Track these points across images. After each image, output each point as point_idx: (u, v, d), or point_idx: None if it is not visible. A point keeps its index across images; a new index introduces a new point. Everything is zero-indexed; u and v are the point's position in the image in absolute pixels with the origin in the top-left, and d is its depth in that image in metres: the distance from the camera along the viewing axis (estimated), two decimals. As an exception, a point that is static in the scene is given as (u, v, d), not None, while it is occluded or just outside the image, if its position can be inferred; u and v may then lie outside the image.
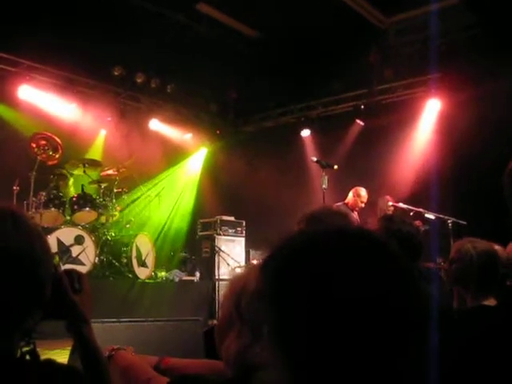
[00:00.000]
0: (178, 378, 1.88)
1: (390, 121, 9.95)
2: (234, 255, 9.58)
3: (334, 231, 1.02)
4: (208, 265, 9.60)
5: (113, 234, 8.58)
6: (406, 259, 0.98)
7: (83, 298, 1.68)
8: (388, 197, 8.44)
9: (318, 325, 0.89)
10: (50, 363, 1.53)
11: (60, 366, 1.52)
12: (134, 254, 8.35)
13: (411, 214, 7.87)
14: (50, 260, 1.43)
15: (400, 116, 9.96)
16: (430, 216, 7.74)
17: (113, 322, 3.43)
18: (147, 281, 8.50)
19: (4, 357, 1.31)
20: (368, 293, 0.89)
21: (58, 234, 7.72)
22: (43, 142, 8.16)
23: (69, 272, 1.67)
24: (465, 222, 7.73)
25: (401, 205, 8.17)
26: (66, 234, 7.78)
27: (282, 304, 0.93)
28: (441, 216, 7.79)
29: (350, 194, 8.65)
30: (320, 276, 0.91)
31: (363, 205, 8.61)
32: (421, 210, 7.87)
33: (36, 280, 1.33)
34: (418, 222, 6.78)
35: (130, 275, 8.29)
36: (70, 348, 3.21)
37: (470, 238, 3.08)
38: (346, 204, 8.61)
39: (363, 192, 8.60)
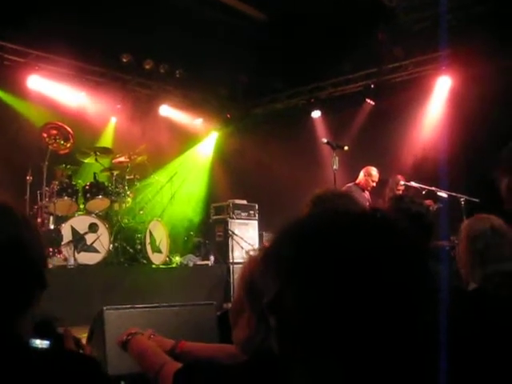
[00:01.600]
0: (190, 364, 1.91)
1: (401, 99, 9.88)
2: (247, 238, 9.60)
3: (340, 214, 1.02)
4: (222, 249, 9.63)
5: (126, 221, 8.62)
6: (413, 237, 0.98)
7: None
8: (399, 176, 8.42)
9: (328, 308, 0.89)
10: (65, 352, 1.55)
11: (75, 355, 1.54)
12: (148, 240, 8.39)
13: (423, 192, 7.85)
14: (40, 245, 1.48)
15: (411, 94, 9.89)
16: (443, 194, 7.71)
17: (127, 308, 3.45)
18: (162, 266, 8.55)
19: (13, 344, 1.34)
20: (376, 273, 0.90)
21: (72, 222, 7.78)
22: (54, 132, 8.20)
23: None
24: (477, 200, 7.69)
25: (413, 183, 8.14)
26: (80, 222, 7.84)
27: (291, 290, 0.93)
28: (453, 194, 7.76)
29: (361, 174, 8.63)
30: (329, 262, 0.91)
31: (374, 184, 8.60)
32: (433, 188, 7.84)
33: (27, 265, 1.38)
34: (428, 202, 6.76)
35: (145, 261, 8.34)
36: (85, 335, 3.25)
37: (471, 219, 3.08)
38: (357, 184, 8.60)
39: (374, 171, 8.58)
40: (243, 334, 1.77)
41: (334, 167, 7.24)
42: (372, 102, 10.56)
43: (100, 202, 8.46)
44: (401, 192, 8.06)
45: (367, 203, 8.45)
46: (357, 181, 8.66)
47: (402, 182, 8.27)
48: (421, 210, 3.13)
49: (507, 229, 2.97)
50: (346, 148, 7.49)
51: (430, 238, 3.12)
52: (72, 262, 7.35)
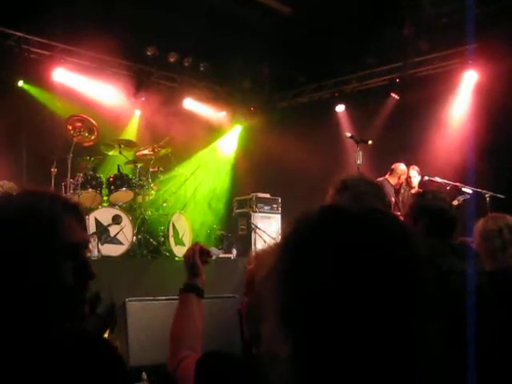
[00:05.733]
0: (211, 353, 1.92)
1: (426, 94, 9.79)
2: (270, 232, 9.57)
3: (345, 209, 1.01)
4: (244, 242, 9.62)
5: (149, 213, 8.66)
6: (414, 237, 0.96)
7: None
8: (416, 167, 8.50)
9: (332, 302, 0.88)
10: (83, 334, 1.56)
11: (93, 337, 1.55)
12: (171, 232, 8.41)
13: (448, 188, 7.78)
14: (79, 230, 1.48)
15: (436, 89, 9.79)
16: (467, 190, 7.63)
17: (150, 300, 3.48)
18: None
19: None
20: (376, 271, 0.89)
21: (96, 214, 7.83)
22: (79, 124, 8.25)
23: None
24: (503, 196, 7.61)
25: (437, 179, 8.08)
26: (104, 214, 7.88)
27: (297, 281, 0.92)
28: (478, 190, 7.68)
29: (392, 170, 8.69)
30: (334, 255, 0.91)
31: (403, 181, 8.64)
32: (457, 184, 7.77)
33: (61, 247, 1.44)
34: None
35: (167, 254, 8.37)
36: (108, 326, 3.25)
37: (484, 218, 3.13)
38: (387, 179, 8.64)
39: (404, 168, 8.64)
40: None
41: (358, 162, 7.20)
42: (397, 97, 10.47)
43: (124, 194, 8.51)
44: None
45: (393, 198, 8.50)
46: (387, 176, 8.66)
47: (427, 177, 8.23)
48: (443, 206, 3.10)
49: None
50: (369, 142, 7.44)
51: (452, 233, 3.08)
52: (96, 253, 7.40)
